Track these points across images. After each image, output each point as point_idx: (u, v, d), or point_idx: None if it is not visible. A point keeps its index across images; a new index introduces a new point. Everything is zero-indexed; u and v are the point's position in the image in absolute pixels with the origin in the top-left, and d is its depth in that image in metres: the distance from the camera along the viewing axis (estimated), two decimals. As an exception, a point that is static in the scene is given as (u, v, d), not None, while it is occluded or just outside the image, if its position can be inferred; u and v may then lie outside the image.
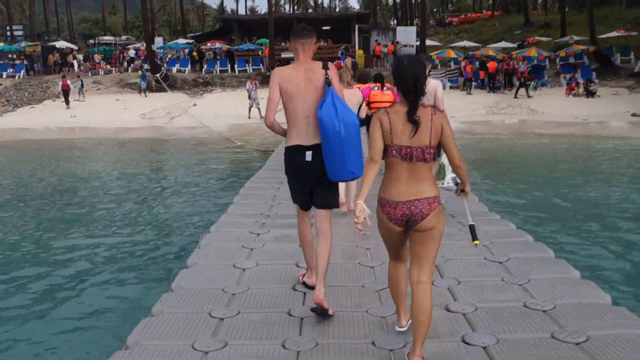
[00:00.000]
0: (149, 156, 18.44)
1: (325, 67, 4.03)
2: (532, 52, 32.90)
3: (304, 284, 4.55)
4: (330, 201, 4.18)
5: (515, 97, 29.12)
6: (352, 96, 6.62)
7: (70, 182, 13.84)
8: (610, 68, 32.25)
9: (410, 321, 3.50)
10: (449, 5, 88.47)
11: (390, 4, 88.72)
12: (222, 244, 5.76)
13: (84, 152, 19.73)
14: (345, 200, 6.81)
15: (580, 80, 30.02)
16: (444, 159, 6.38)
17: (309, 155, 4.01)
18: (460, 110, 26.85)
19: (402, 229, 3.26)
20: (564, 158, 16.11)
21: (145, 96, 32.27)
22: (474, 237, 3.40)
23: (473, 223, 3.45)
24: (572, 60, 33.71)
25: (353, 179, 4.12)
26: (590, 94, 28.30)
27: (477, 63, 32.57)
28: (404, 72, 3.21)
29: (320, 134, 3.90)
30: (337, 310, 4.03)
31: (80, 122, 27.14)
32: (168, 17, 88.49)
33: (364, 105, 7.20)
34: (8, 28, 49.76)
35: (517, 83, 31.74)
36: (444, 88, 32.09)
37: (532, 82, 31.08)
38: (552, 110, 25.82)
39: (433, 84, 6.55)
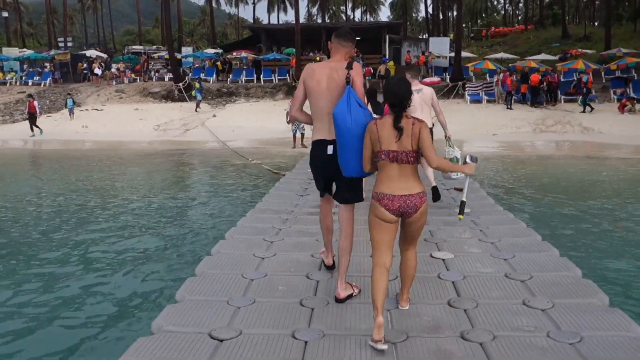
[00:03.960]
0: (134, 171, 14.41)
1: (349, 67, 3.81)
2: (580, 64, 27.88)
3: (322, 261, 4.55)
4: (348, 197, 3.98)
5: (591, 110, 24.22)
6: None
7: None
8: (664, 83, 27.15)
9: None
10: (478, 21, 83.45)
11: (421, 19, 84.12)
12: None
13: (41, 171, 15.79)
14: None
15: (634, 96, 25.11)
16: (456, 152, 6.42)
17: (330, 149, 3.90)
18: (502, 127, 22.30)
19: (396, 219, 3.38)
20: None
21: (197, 111, 27.09)
22: (461, 212, 3.72)
23: (465, 200, 3.78)
24: (618, 74, 28.71)
25: (362, 176, 3.79)
26: (649, 111, 23.36)
27: (517, 75, 27.84)
28: (393, 89, 3.39)
29: (335, 129, 3.71)
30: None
31: (89, 135, 23.48)
32: (207, 30, 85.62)
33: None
34: (61, 39, 47.79)
35: (561, 98, 27.10)
36: (480, 102, 27.46)
37: (580, 97, 26.24)
38: (610, 129, 20.95)
39: (428, 91, 6.73)
